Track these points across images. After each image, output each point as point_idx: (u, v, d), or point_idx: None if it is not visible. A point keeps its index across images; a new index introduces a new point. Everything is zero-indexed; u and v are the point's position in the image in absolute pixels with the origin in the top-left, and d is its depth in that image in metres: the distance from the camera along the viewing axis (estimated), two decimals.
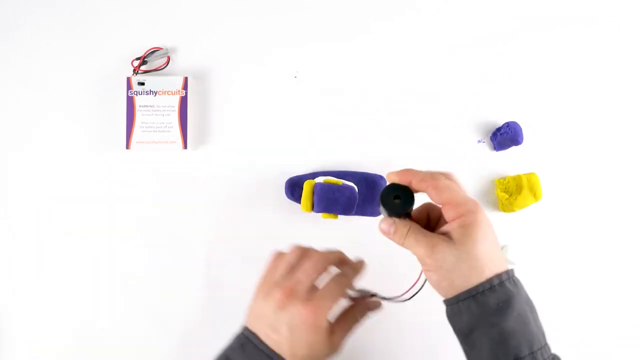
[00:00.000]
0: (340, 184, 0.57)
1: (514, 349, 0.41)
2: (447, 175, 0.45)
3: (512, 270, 0.44)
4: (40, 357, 0.63)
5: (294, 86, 0.64)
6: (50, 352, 0.63)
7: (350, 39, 0.65)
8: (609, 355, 0.62)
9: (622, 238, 0.63)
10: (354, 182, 0.55)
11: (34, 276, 0.63)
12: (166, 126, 0.62)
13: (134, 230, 0.63)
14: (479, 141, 0.63)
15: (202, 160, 0.64)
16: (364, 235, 0.62)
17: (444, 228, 0.43)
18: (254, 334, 0.47)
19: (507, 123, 0.62)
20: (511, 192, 0.60)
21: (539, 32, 0.64)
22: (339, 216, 0.59)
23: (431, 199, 0.45)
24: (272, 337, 0.46)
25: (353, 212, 0.56)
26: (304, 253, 0.50)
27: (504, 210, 0.62)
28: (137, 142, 0.62)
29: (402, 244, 0.46)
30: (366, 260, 0.62)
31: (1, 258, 0.64)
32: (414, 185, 0.45)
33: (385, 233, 0.47)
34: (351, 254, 0.62)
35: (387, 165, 0.63)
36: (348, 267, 0.51)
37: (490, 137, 0.63)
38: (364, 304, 0.52)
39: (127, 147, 0.62)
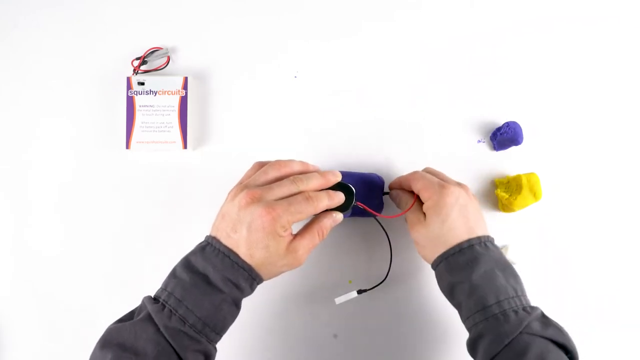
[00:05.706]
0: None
1: (481, 298, 0.47)
2: (426, 169, 0.57)
3: (486, 236, 0.51)
4: (40, 356, 0.63)
5: (294, 86, 0.64)
6: (50, 352, 0.63)
7: (351, 38, 0.65)
8: (609, 354, 0.62)
9: (622, 238, 0.63)
10: (352, 183, 0.54)
11: (34, 275, 0.63)
12: (166, 126, 0.62)
13: (134, 231, 0.63)
14: (479, 141, 0.63)
15: (202, 160, 0.64)
16: (364, 235, 0.62)
17: (423, 208, 0.52)
18: (214, 237, 0.49)
19: (507, 123, 0.62)
20: (511, 192, 0.60)
21: (539, 32, 0.64)
22: None
23: (414, 190, 0.54)
24: (232, 236, 0.47)
25: (349, 214, 0.56)
26: (283, 169, 0.51)
27: (504, 210, 0.62)
28: (137, 142, 0.62)
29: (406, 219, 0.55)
30: (365, 259, 0.63)
31: (3, 256, 0.64)
32: (404, 185, 0.56)
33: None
34: (348, 254, 0.62)
35: (386, 165, 0.63)
36: (326, 195, 0.51)
37: (490, 137, 0.63)
38: (323, 218, 0.52)
39: (127, 147, 0.62)
